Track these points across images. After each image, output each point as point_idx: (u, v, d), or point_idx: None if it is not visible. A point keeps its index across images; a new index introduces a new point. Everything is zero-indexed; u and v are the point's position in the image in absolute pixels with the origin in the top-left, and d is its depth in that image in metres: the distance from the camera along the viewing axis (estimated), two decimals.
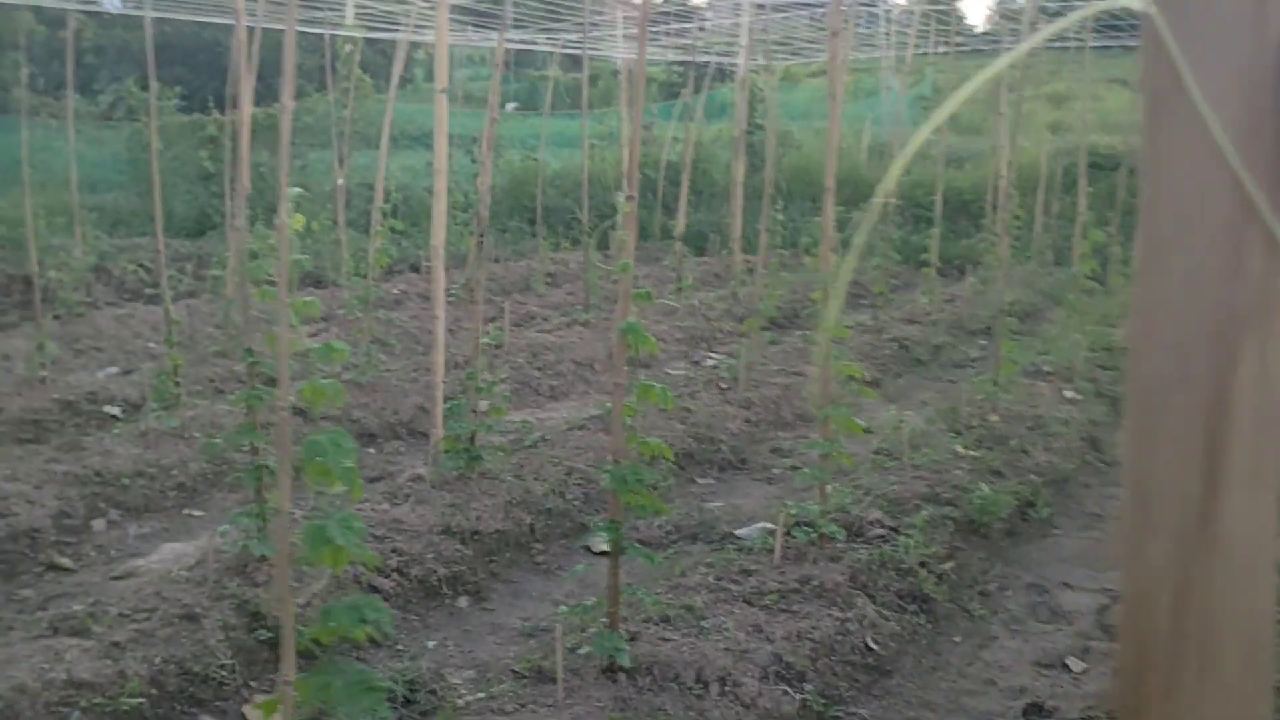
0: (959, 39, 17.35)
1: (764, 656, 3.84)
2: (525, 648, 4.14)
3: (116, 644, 3.76)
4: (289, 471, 2.47)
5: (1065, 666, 4.24)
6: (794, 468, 6.20)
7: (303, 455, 2.30)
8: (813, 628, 4.08)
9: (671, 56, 20.51)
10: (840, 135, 4.75)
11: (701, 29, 18.15)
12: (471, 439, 5.59)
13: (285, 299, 2.45)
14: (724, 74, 19.97)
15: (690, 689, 3.62)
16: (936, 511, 5.21)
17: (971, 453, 6.13)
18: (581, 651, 3.78)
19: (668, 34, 18.43)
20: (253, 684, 3.91)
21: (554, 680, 3.56)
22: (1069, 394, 7.68)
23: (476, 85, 21.47)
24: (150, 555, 5.14)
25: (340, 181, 11.20)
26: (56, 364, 7.74)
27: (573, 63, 22.90)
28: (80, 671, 3.58)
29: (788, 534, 4.71)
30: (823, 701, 3.79)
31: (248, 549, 4.44)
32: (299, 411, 5.71)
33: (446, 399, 5.99)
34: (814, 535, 4.69)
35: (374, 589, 4.46)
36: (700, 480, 6.42)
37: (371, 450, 6.78)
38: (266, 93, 12.57)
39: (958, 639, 4.47)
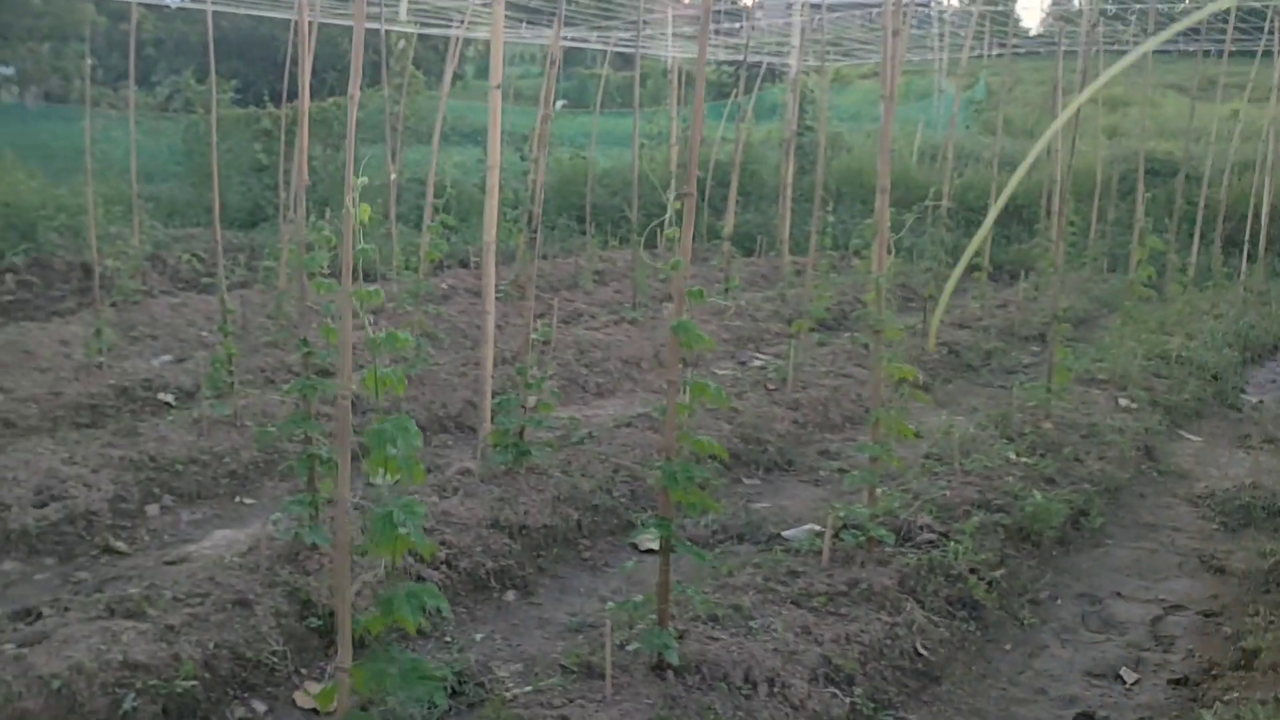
0: (1014, 41, 17.16)
1: (813, 658, 3.81)
2: (572, 643, 4.14)
3: (171, 627, 3.81)
4: (348, 459, 2.48)
5: (1118, 677, 4.18)
6: (841, 470, 6.16)
7: (367, 442, 2.31)
8: (861, 631, 4.05)
9: (722, 56, 20.45)
10: (892, 137, 4.70)
11: (753, 28, 18.08)
12: (520, 434, 5.60)
13: (349, 286, 2.46)
14: (774, 74, 19.90)
15: (739, 689, 3.61)
16: (987, 518, 5.15)
17: (1024, 459, 6.05)
18: (630, 648, 3.78)
19: (718, 33, 18.39)
20: (303, 671, 3.95)
21: (602, 676, 3.55)
22: (1123, 402, 7.55)
23: (526, 83, 21.55)
24: (203, 541, 5.22)
25: (393, 176, 11.28)
26: (113, 350, 7.87)
27: (623, 61, 22.94)
28: (136, 654, 3.62)
29: (835, 536, 4.67)
30: (872, 705, 3.76)
31: (299, 537, 4.49)
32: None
33: (495, 394, 6.01)
34: (862, 539, 4.65)
35: (421, 580, 4.48)
36: (746, 480, 6.40)
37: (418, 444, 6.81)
38: (319, 87, 12.70)
39: (1008, 647, 4.42)
